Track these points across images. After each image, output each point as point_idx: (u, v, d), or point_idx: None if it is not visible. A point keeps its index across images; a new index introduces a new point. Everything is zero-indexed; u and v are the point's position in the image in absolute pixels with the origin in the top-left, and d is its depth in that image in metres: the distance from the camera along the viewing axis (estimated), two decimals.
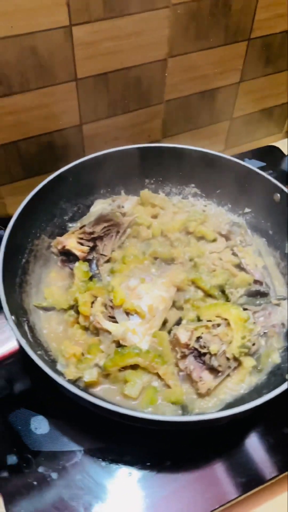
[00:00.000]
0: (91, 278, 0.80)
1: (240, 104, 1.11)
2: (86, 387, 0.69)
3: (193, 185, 0.97)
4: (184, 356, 0.69)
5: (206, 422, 0.59)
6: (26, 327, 0.71)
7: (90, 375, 0.68)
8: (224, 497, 0.65)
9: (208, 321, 0.70)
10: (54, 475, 0.65)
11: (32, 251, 0.83)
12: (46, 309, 0.79)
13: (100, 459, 0.67)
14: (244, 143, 1.23)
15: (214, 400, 0.69)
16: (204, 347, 0.68)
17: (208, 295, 0.78)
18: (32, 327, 0.74)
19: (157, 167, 0.94)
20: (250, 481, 0.66)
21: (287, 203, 0.81)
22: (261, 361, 0.72)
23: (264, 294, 0.78)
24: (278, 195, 0.83)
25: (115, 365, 0.68)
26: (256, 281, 0.78)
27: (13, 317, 0.65)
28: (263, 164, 1.11)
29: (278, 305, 0.76)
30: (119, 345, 0.71)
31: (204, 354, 0.68)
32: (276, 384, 0.59)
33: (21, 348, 0.62)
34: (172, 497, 0.65)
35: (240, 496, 0.65)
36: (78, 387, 0.66)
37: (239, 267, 0.82)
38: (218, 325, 0.70)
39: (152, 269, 0.81)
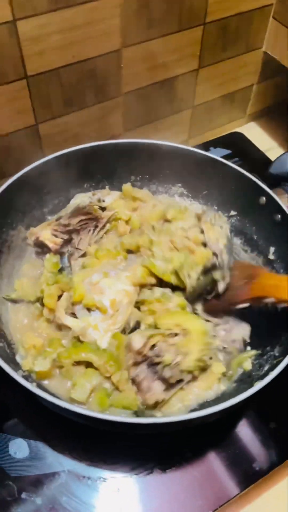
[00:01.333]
0: (61, 271, 0.77)
1: (201, 91, 1.08)
2: (39, 379, 0.66)
3: (179, 184, 0.93)
4: (136, 363, 0.65)
5: (164, 425, 0.56)
6: None
7: (41, 365, 0.65)
8: (222, 497, 0.64)
9: (167, 330, 0.65)
10: (38, 500, 0.62)
11: (6, 242, 0.80)
12: (14, 301, 0.77)
13: (86, 477, 0.65)
14: (207, 131, 1.20)
15: (179, 406, 0.66)
16: (158, 356, 0.63)
17: (164, 282, 0.73)
18: None
19: (143, 164, 0.91)
20: (246, 477, 0.65)
21: (276, 208, 0.79)
22: (231, 367, 0.70)
23: (216, 267, 0.73)
24: (264, 198, 0.80)
25: (69, 356, 0.65)
26: (213, 254, 0.73)
27: None
28: (229, 151, 1.09)
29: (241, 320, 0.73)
30: (80, 341, 0.69)
31: (157, 363, 0.63)
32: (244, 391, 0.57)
33: None
34: (165, 506, 0.63)
35: (237, 494, 0.64)
36: (33, 382, 0.63)
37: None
38: (176, 334, 0.65)
39: (122, 263, 0.78)
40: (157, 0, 0.85)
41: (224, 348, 0.70)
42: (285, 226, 0.77)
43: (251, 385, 0.58)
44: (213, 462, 0.67)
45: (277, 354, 0.67)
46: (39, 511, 0.62)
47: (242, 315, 0.74)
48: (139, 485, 0.65)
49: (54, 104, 0.90)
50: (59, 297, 0.74)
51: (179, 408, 0.66)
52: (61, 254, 0.81)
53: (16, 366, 0.66)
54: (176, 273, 0.72)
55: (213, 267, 0.72)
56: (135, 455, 0.67)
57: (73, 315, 0.71)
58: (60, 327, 0.71)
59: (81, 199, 0.86)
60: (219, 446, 0.68)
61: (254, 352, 0.71)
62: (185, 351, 0.64)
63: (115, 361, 0.65)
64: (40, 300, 0.75)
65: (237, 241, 0.88)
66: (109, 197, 0.88)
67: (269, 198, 0.80)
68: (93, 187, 0.92)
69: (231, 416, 0.70)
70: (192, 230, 0.77)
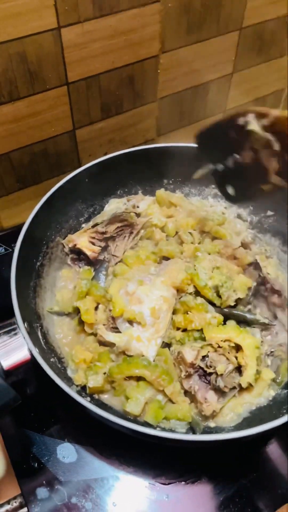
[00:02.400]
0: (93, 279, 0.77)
1: (233, 95, 1.08)
2: (92, 394, 0.67)
3: (213, 186, 0.93)
4: (189, 376, 0.66)
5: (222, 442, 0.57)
6: (39, 333, 0.69)
7: (95, 380, 0.65)
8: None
9: (218, 346, 0.66)
10: (88, 505, 0.63)
11: (46, 254, 0.80)
12: (58, 313, 0.77)
13: (134, 483, 0.65)
14: None
15: (231, 415, 0.66)
16: (210, 366, 0.64)
17: (201, 295, 0.73)
18: (46, 332, 0.72)
19: (175, 167, 0.91)
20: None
21: None
22: (279, 372, 0.70)
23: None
24: None
25: (120, 372, 0.66)
26: (274, 291, 0.75)
27: (25, 325, 0.62)
28: None
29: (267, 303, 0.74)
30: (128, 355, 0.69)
31: (210, 373, 0.64)
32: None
33: (33, 357, 0.60)
34: None
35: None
36: (86, 396, 0.64)
37: (243, 269, 0.78)
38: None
39: (151, 268, 0.78)
40: (197, 6, 0.85)
41: (272, 352, 0.70)
42: None
43: None
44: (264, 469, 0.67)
45: None
46: None
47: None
48: (187, 492, 0.65)
49: (92, 110, 0.90)
50: (96, 307, 0.74)
51: (231, 417, 0.66)
52: (97, 261, 0.81)
53: (68, 381, 0.66)
54: (215, 289, 0.72)
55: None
56: (183, 462, 0.67)
57: (115, 329, 0.71)
58: (104, 342, 0.71)
59: (115, 205, 0.87)
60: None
61: None
62: (236, 361, 0.64)
63: (167, 374, 0.65)
64: (77, 312, 0.74)
65: (275, 241, 0.87)
66: (143, 202, 0.89)
67: None
68: (126, 193, 0.92)
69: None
70: (239, 251, 0.78)
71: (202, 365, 0.64)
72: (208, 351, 0.65)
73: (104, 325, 0.72)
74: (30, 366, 0.61)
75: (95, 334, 0.72)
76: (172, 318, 0.72)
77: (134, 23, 0.81)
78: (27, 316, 0.66)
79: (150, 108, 0.98)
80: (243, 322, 0.72)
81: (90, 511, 0.62)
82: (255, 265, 0.77)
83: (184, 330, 0.71)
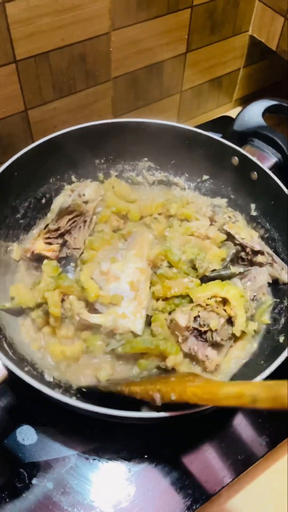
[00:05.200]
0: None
1: (189, 75, 1.08)
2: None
3: (145, 158, 0.92)
4: (185, 339, 0.68)
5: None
6: (5, 345, 0.64)
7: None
8: (223, 479, 0.65)
9: (207, 305, 0.68)
10: (49, 485, 0.62)
11: None
12: (13, 312, 0.73)
13: (96, 460, 0.65)
14: (195, 116, 1.20)
15: (220, 376, 0.68)
16: (204, 325, 0.67)
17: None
18: (11, 342, 0.68)
19: (105, 145, 0.89)
20: (246, 459, 0.66)
21: (251, 166, 0.80)
22: (255, 320, 0.72)
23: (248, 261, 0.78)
24: (236, 158, 0.81)
25: (132, 350, 0.66)
26: (256, 252, 0.77)
27: None
28: (220, 135, 1.09)
29: (260, 265, 0.76)
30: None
31: (205, 332, 0.67)
32: (271, 352, 0.59)
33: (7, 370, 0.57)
34: (173, 486, 0.64)
35: (238, 476, 0.65)
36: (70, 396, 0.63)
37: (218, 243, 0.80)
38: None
39: (119, 244, 0.78)
40: None
41: (254, 296, 0.73)
42: (264, 181, 0.78)
43: (275, 341, 0.62)
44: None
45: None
46: (50, 495, 0.62)
47: None
48: (149, 466, 0.65)
49: (44, 89, 0.88)
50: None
51: (221, 378, 0.68)
52: (61, 260, 0.79)
53: (48, 384, 0.64)
54: (190, 264, 0.73)
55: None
56: (145, 437, 0.67)
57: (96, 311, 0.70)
58: (83, 327, 0.70)
59: (61, 200, 0.84)
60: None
61: (271, 301, 0.74)
62: (225, 314, 0.67)
63: (166, 342, 0.66)
64: (41, 307, 0.72)
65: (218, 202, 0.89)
66: (88, 189, 0.85)
67: (242, 157, 0.81)
68: (59, 180, 0.88)
69: None
70: (211, 230, 0.79)
71: (196, 325, 0.67)
72: (198, 311, 0.67)
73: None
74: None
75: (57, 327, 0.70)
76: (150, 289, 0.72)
77: None
78: None
79: (104, 88, 0.97)
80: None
81: (52, 491, 0.62)
82: (227, 235, 0.78)
83: (165, 300, 0.72)
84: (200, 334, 0.68)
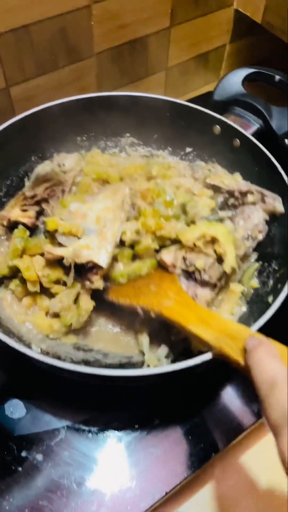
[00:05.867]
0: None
1: (174, 52, 1.07)
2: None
3: (128, 134, 0.92)
4: None
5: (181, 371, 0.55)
6: None
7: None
8: (213, 447, 0.64)
9: (194, 245, 0.67)
10: (39, 457, 0.61)
11: None
12: None
13: (86, 431, 0.64)
14: (183, 94, 1.19)
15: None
16: (191, 265, 0.66)
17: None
18: None
19: (87, 121, 0.88)
20: (236, 428, 0.66)
21: (233, 133, 0.79)
22: (243, 283, 0.72)
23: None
24: (218, 127, 0.81)
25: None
26: (245, 193, 0.76)
27: None
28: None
29: (253, 204, 0.75)
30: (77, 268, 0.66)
31: (193, 272, 0.67)
32: (260, 313, 0.58)
33: None
34: (165, 456, 0.63)
35: (228, 444, 0.64)
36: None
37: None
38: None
39: (94, 189, 0.77)
40: None
41: (249, 235, 0.72)
42: (247, 147, 0.77)
43: (265, 303, 0.62)
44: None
45: (276, 267, 0.69)
46: (41, 467, 0.61)
47: None
48: (140, 435, 0.64)
49: (25, 65, 0.87)
50: None
51: None
52: (37, 228, 0.77)
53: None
54: (181, 207, 0.73)
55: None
56: (135, 407, 0.66)
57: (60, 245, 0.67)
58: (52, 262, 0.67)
59: (40, 169, 0.83)
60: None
61: (257, 264, 0.74)
62: (213, 254, 0.67)
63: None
64: (17, 277, 0.70)
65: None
66: (68, 160, 0.84)
67: (224, 125, 0.80)
68: (41, 158, 0.87)
69: None
70: (196, 186, 0.79)
71: (184, 267, 0.67)
72: (186, 251, 0.67)
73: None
74: None
75: (34, 294, 0.69)
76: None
77: None
78: None
79: (88, 64, 0.95)
80: None
81: (41, 463, 0.61)
82: (212, 187, 0.78)
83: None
84: (189, 275, 0.68)
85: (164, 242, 0.70)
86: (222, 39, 1.15)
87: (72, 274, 0.65)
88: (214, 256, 0.67)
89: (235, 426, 0.66)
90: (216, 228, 0.67)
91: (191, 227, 0.69)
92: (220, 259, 0.68)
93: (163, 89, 1.13)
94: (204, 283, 0.67)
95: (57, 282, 0.69)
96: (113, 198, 0.70)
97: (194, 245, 0.67)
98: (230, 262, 0.66)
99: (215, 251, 0.67)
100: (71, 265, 0.65)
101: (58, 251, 0.66)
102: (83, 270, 0.66)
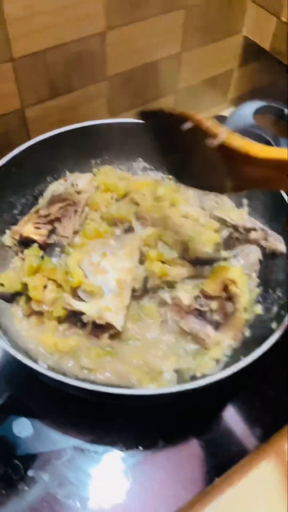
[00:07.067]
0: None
1: (184, 75, 1.09)
2: None
3: (140, 159, 0.94)
4: (184, 317, 0.70)
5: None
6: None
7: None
8: (216, 471, 0.65)
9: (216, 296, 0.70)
10: (45, 477, 0.63)
11: None
12: (7, 300, 0.74)
13: (91, 452, 0.65)
14: None
15: (215, 355, 0.69)
16: (204, 305, 0.69)
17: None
18: (5, 330, 0.69)
19: (100, 145, 0.90)
20: (238, 451, 0.67)
21: None
22: (247, 310, 0.73)
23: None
24: None
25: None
26: (249, 229, 0.78)
27: None
28: None
29: (253, 242, 0.77)
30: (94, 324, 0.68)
31: (205, 311, 0.69)
32: (263, 338, 0.60)
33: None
34: (168, 478, 0.64)
35: (233, 466, 0.66)
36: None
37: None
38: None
39: (111, 241, 0.78)
40: None
41: (247, 274, 0.75)
42: None
43: (268, 329, 0.63)
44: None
45: (280, 294, 0.71)
46: (47, 487, 0.62)
47: None
48: (145, 456, 0.65)
49: (40, 88, 0.89)
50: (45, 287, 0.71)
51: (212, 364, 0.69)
52: (48, 246, 0.79)
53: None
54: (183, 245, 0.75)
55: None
56: (140, 428, 0.68)
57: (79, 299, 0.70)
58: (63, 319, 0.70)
59: (54, 188, 0.86)
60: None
61: (257, 290, 0.75)
62: (234, 293, 0.69)
63: None
64: (25, 294, 0.72)
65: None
66: (81, 180, 0.87)
67: None
68: (56, 178, 0.90)
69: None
70: (202, 217, 0.80)
71: (197, 306, 0.69)
72: (200, 291, 0.70)
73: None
74: None
75: (42, 313, 0.71)
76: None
77: None
78: None
79: (100, 87, 0.98)
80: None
81: (47, 483, 0.62)
82: (219, 220, 0.80)
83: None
84: (200, 313, 0.69)
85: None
86: (231, 64, 1.17)
87: (89, 329, 0.68)
88: (225, 296, 0.69)
89: (237, 450, 0.67)
90: (232, 270, 0.70)
91: (212, 276, 0.71)
92: (229, 298, 0.70)
93: None
94: (212, 322, 0.69)
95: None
96: (131, 255, 0.73)
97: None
98: (244, 302, 0.69)
99: (224, 290, 0.69)
100: (89, 322, 0.67)
101: (80, 306, 0.68)
102: (93, 325, 0.68)
